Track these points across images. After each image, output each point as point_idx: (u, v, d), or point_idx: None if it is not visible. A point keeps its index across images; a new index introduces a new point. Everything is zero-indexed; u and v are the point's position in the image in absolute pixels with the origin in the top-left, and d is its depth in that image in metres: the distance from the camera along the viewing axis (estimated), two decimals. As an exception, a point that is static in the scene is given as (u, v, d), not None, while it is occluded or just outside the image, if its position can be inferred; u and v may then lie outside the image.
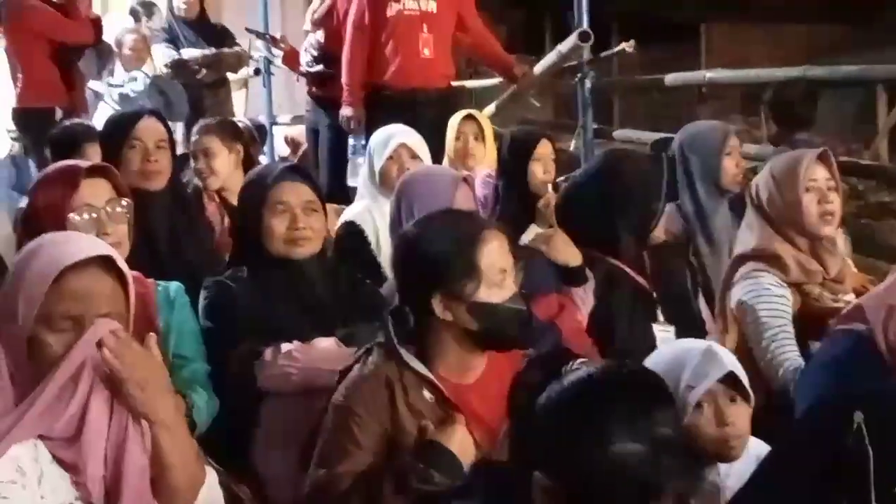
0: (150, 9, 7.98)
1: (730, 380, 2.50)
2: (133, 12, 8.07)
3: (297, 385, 2.93)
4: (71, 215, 2.83)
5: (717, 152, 4.19)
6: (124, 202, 2.94)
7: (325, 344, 2.98)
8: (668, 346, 2.68)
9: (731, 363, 2.52)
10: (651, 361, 2.48)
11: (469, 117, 5.16)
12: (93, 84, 7.62)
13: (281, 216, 3.11)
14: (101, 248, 2.14)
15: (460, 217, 2.70)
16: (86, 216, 2.84)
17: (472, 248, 2.47)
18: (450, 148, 5.07)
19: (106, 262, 2.11)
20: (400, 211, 3.55)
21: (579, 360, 1.93)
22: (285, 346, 2.95)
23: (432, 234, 2.54)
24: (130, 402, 2.05)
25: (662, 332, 3.46)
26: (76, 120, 5.00)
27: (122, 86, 7.04)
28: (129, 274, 2.16)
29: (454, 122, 5.13)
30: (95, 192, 2.89)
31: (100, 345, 2.03)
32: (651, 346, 3.33)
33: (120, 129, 3.74)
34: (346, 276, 3.30)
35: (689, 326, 3.50)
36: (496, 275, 2.48)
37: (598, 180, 3.61)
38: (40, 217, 2.86)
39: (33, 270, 2.06)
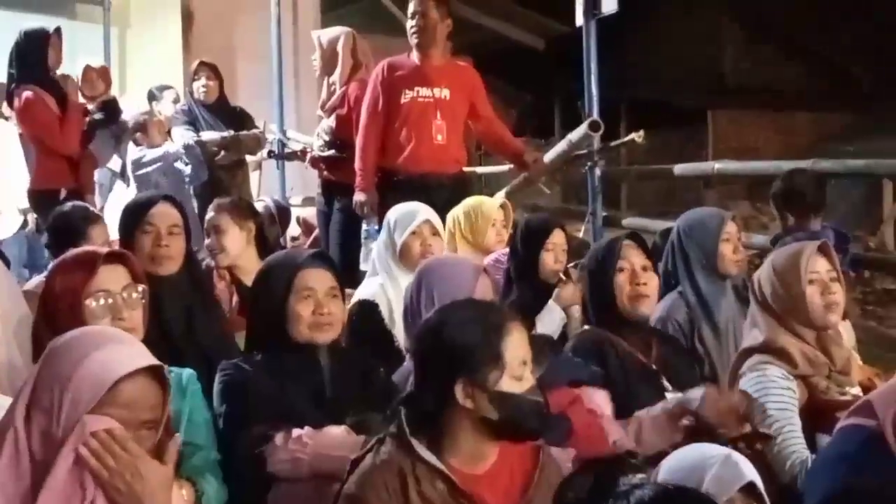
0: (162, 92, 8.06)
1: (747, 487, 2.49)
2: (150, 95, 8.16)
3: (306, 471, 2.91)
4: (87, 301, 2.84)
5: (714, 238, 4.20)
6: (140, 288, 2.95)
7: (336, 431, 2.96)
8: (687, 450, 2.67)
9: (751, 473, 2.51)
10: (670, 465, 2.47)
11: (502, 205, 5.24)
12: (111, 164, 7.67)
13: (306, 301, 3.16)
14: (149, 357, 2.18)
15: (486, 307, 2.71)
16: (102, 302, 2.85)
17: (497, 338, 2.49)
18: (482, 234, 5.09)
19: (152, 371, 2.16)
20: (419, 296, 3.58)
21: (638, 478, 1.93)
22: (296, 432, 2.94)
23: (459, 321, 2.55)
24: (116, 501, 2.09)
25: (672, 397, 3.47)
26: (75, 203, 4.96)
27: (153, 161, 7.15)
28: (170, 383, 2.21)
29: (492, 209, 5.17)
30: (112, 277, 2.90)
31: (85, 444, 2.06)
32: None
33: (133, 215, 3.76)
34: (360, 363, 3.31)
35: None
36: (518, 366, 2.50)
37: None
38: (57, 301, 2.87)
39: (84, 375, 2.09)
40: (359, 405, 3.06)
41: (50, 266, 3.42)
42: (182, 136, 7.17)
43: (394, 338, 4.14)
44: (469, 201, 5.25)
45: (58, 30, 6.69)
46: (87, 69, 7.27)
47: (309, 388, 3.10)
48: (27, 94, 6.43)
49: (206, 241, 4.68)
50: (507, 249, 4.72)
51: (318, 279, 3.20)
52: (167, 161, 7.19)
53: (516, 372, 2.49)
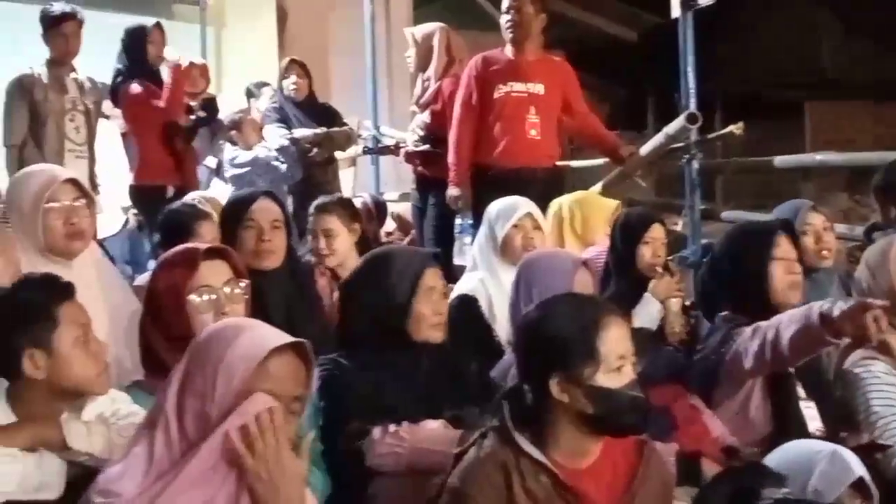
0: (260, 89, 8.12)
1: (856, 483, 2.45)
2: (248, 92, 8.23)
3: (404, 465, 2.93)
4: (191, 296, 2.88)
5: None
6: (242, 283, 2.99)
7: (433, 425, 2.98)
8: (792, 445, 2.63)
9: (859, 468, 2.46)
10: (775, 461, 2.44)
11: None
12: (208, 161, 7.74)
13: (432, 301, 3.19)
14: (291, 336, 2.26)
15: (583, 301, 2.70)
16: (205, 297, 2.90)
17: (592, 332, 2.47)
18: (592, 231, 5.04)
19: (297, 348, 2.23)
20: (520, 291, 3.62)
21: (782, 492, 1.91)
22: (393, 426, 2.96)
23: (554, 315, 2.55)
24: (253, 489, 2.13)
25: (805, 408, 3.45)
26: (184, 201, 5.06)
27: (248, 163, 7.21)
28: (314, 360, 2.28)
29: (609, 208, 5.14)
30: (214, 273, 2.94)
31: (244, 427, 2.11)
32: (801, 424, 3.36)
33: (235, 211, 3.83)
34: (454, 357, 3.33)
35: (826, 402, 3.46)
36: (615, 360, 2.47)
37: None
38: (161, 298, 2.92)
39: (236, 353, 2.15)
40: (454, 399, 3.08)
41: (153, 263, 3.48)
42: (275, 134, 7.21)
43: (493, 333, 4.15)
44: (585, 196, 5.22)
45: (157, 25, 6.87)
46: (190, 66, 7.35)
47: (405, 383, 3.11)
48: (133, 85, 6.64)
49: (314, 243, 4.70)
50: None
51: (438, 278, 3.25)
52: (258, 164, 7.21)
53: (613, 366, 2.46)
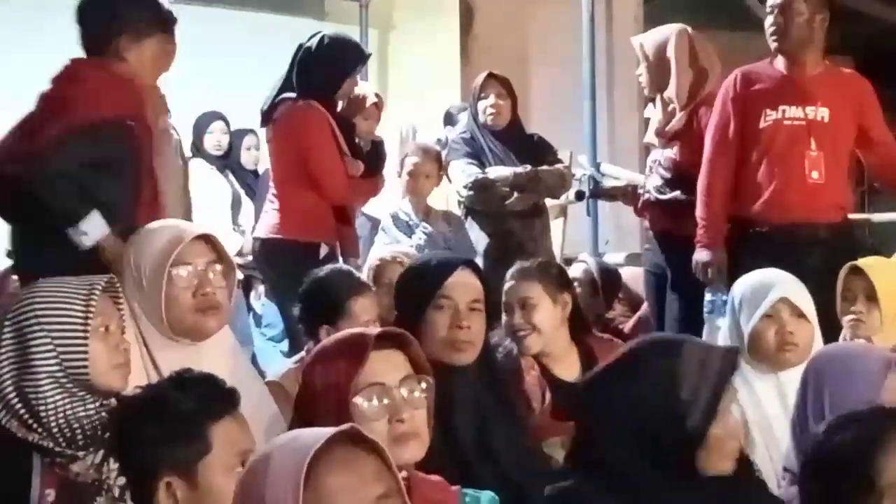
0: (460, 113, 8.00)
1: None
2: (447, 117, 8.25)
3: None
4: (356, 399, 2.86)
5: None
6: (424, 382, 2.97)
7: None
8: None
9: None
10: None
11: (856, 271, 5.01)
12: (365, 208, 7.81)
13: (722, 424, 3.19)
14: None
15: (869, 414, 2.75)
16: (375, 402, 2.88)
17: (869, 455, 2.57)
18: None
19: (352, 435, 2.21)
20: (805, 402, 3.60)
21: None
22: None
23: (830, 435, 2.66)
24: None
25: None
26: (335, 267, 5.12)
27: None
28: (378, 442, 2.24)
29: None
30: (387, 367, 2.93)
31: None
32: None
33: (424, 284, 3.81)
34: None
35: None
36: None
37: None
38: (316, 401, 2.92)
39: (276, 483, 2.13)
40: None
41: (308, 355, 3.49)
42: (462, 173, 7.20)
43: (753, 465, 4.03)
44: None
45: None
46: (364, 99, 7.39)
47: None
48: (309, 105, 6.47)
49: (509, 319, 4.71)
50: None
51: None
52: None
53: None
